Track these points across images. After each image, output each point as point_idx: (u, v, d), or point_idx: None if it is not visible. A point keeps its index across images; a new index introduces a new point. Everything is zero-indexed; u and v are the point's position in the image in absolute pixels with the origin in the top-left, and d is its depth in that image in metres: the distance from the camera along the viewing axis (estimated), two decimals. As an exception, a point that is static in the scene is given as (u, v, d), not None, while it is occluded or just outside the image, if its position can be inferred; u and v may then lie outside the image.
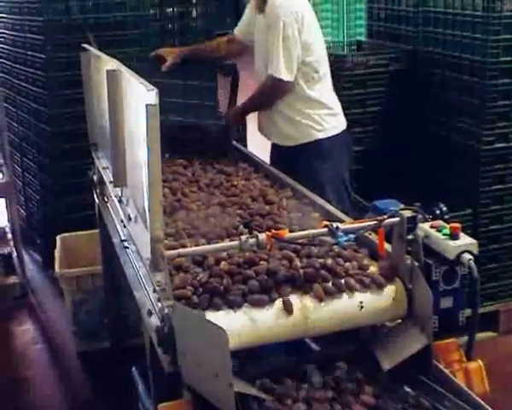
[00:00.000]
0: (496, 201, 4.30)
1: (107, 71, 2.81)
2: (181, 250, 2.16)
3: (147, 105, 2.03)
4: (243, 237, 2.08)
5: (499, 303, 4.47)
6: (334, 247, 2.28)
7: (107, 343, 4.29)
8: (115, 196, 3.04)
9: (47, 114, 5.21)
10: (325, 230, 2.17)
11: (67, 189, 5.16)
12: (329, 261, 2.22)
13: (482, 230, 4.25)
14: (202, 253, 2.21)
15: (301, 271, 2.17)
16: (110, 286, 4.09)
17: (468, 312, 2.23)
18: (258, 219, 2.61)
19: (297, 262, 2.20)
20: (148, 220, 2.20)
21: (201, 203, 2.85)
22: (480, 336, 3.02)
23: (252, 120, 4.27)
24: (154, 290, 2.18)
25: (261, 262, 2.21)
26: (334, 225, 2.17)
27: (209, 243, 2.35)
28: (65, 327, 4.59)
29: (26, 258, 5.56)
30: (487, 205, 4.29)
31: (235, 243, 2.11)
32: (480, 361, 2.22)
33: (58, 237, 4.59)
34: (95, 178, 3.70)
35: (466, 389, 2.04)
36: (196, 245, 2.32)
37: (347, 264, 2.23)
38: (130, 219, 2.74)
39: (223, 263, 2.19)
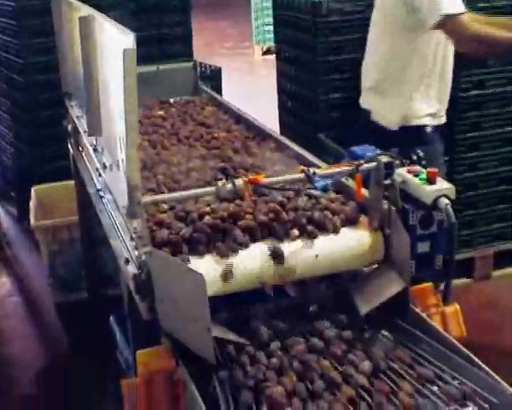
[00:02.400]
0: (472, 148, 4.32)
1: (80, 18, 2.76)
2: (157, 197, 2.14)
3: (124, 49, 1.99)
4: (220, 183, 2.07)
5: (475, 250, 4.51)
6: (322, 200, 2.25)
7: (84, 294, 4.28)
8: (90, 146, 3.01)
9: (19, 64, 5.13)
10: (302, 175, 2.16)
11: (42, 140, 5.12)
12: (317, 215, 2.17)
13: (458, 177, 4.27)
14: (179, 199, 2.19)
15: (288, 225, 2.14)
16: (87, 237, 4.07)
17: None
18: (241, 172, 2.56)
19: (284, 216, 2.15)
20: (123, 167, 2.17)
21: (182, 156, 2.79)
22: (456, 282, 3.03)
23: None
24: (131, 238, 2.17)
25: (247, 216, 2.15)
26: (311, 170, 2.16)
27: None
28: (42, 279, 4.58)
29: (1, 211, 5.54)
30: (463, 152, 4.30)
31: (212, 188, 2.10)
32: (456, 305, 2.23)
33: (33, 189, 4.56)
34: (69, 127, 3.66)
35: (443, 332, 2.05)
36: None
37: (335, 217, 2.19)
38: (105, 167, 2.71)
39: (206, 217, 2.14)
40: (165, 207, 2.25)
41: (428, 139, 3.67)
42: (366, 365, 1.88)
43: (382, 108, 3.73)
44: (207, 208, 2.18)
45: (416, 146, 3.30)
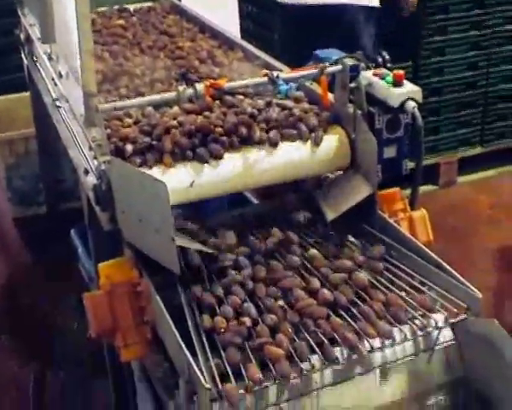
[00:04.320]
0: (437, 52, 4.26)
1: None
2: (115, 103, 2.05)
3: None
4: (181, 88, 1.99)
5: (440, 156, 4.50)
6: (295, 111, 2.16)
7: (43, 209, 4.22)
8: (44, 54, 2.90)
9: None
10: (265, 79, 2.09)
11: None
12: (288, 132, 2.10)
13: (423, 82, 4.21)
14: (138, 105, 2.10)
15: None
16: (44, 149, 3.98)
17: (411, 164, 2.21)
18: None
19: (256, 129, 2.06)
20: (79, 74, 2.09)
21: (145, 68, 2.65)
22: (421, 189, 3.00)
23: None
24: (90, 148, 2.09)
25: (216, 129, 2.04)
26: (275, 73, 2.09)
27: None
28: (1, 194, 4.49)
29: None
30: (428, 57, 4.25)
31: (173, 94, 2.02)
32: (423, 210, 2.21)
33: (-13, 101, 4.44)
34: (22, 36, 3.53)
35: (410, 237, 2.02)
36: (142, 113, 2.15)
37: (313, 133, 2.11)
38: (61, 76, 2.61)
39: (173, 132, 2.02)
40: (130, 121, 2.13)
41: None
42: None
43: None
44: (174, 122, 2.06)
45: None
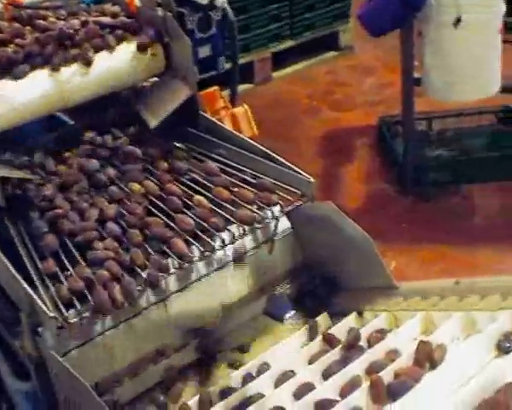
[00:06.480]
0: None
1: None
2: None
3: None
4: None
5: (253, 54, 4.48)
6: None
7: None
8: None
9: None
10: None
11: None
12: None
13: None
14: None
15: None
16: None
17: (227, 66, 2.20)
18: None
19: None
20: None
21: None
22: (239, 88, 2.98)
23: None
24: None
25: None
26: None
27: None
28: None
29: None
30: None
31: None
32: (245, 106, 2.21)
33: None
34: None
35: (236, 133, 2.01)
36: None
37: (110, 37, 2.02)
38: None
39: None
40: None
41: None
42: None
43: None
44: None
45: None
